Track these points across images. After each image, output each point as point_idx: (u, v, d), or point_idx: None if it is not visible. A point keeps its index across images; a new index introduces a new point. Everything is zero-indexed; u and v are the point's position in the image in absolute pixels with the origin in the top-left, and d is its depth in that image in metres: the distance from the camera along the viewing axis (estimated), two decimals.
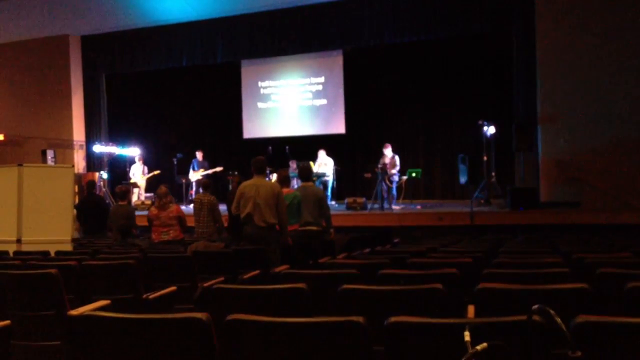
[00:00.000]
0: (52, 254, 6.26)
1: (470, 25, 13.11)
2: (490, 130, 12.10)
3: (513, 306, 2.80)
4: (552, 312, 1.75)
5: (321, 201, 7.78)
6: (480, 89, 13.81)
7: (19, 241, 7.10)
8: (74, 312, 3.86)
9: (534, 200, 11.40)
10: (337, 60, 15.12)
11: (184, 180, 14.87)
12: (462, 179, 12.28)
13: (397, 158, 12.51)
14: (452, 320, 2.01)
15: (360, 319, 2.08)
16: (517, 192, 11.51)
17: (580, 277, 3.55)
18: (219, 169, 14.54)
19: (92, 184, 10.23)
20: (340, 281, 3.60)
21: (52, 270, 4.03)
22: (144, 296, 4.62)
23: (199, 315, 2.29)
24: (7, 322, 3.73)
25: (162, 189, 8.39)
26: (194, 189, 14.80)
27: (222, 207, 8.82)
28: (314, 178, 11.45)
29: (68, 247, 7.11)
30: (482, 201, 12.10)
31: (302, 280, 3.72)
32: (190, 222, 8.78)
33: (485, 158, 12.24)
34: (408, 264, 4.38)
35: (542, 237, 8.49)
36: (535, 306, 1.82)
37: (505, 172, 12.87)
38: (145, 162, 15.25)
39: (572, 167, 11.87)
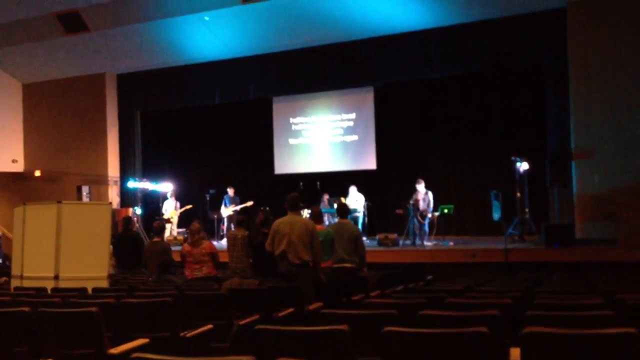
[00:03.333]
0: (89, 291, 6.32)
1: (501, 60, 13.11)
2: (523, 166, 11.99)
3: (561, 351, 2.75)
4: None
5: (357, 239, 7.79)
6: (513, 124, 13.73)
7: (56, 277, 7.18)
8: (113, 351, 3.90)
9: (570, 237, 11.22)
10: (368, 97, 15.20)
11: (215, 216, 14.99)
12: (496, 215, 12.16)
13: (430, 194, 12.45)
14: None
15: None
16: (552, 228, 11.35)
17: (624, 320, 3.48)
18: (249, 203, 14.62)
19: (128, 220, 10.35)
20: (378, 322, 3.57)
21: (93, 309, 4.08)
22: (182, 334, 4.62)
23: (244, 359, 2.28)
24: None
25: (195, 225, 8.44)
26: (225, 224, 14.90)
27: None
28: None
29: (104, 284, 7.17)
30: (516, 238, 11.95)
31: (339, 320, 3.70)
32: (224, 258, 8.82)
33: (518, 194, 12.11)
34: (446, 305, 4.33)
35: (579, 276, 8.33)
36: None
37: (538, 208, 12.69)
38: (177, 198, 15.42)
39: (608, 203, 11.65)
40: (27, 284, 7.20)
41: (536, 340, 2.74)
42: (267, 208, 13.42)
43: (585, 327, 2.97)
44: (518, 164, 11.98)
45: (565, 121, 12.29)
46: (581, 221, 11.86)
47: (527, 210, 12.11)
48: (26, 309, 4.42)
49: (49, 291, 6.53)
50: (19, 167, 17.43)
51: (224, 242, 12.60)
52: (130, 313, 4.86)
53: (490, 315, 3.53)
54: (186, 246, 8.39)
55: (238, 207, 14.52)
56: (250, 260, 8.48)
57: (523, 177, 12.14)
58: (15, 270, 7.69)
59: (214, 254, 8.27)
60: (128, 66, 16.41)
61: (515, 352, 3.03)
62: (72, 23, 14.60)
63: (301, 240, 6.64)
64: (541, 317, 3.45)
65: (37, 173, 17.08)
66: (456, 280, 8.16)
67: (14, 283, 7.55)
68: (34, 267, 7.41)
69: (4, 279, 8.84)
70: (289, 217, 6.88)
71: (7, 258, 12.51)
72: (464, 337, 2.85)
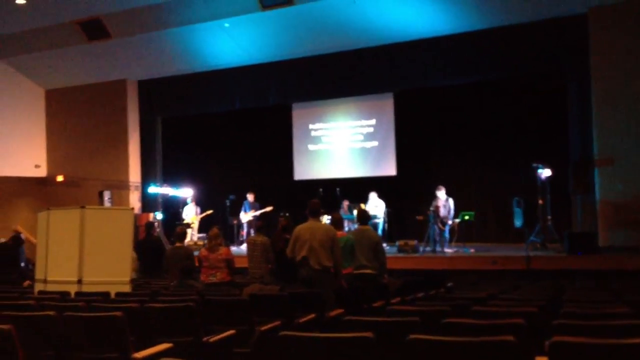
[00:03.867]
0: (112, 295, 6.37)
1: (523, 67, 13.06)
2: (545, 172, 11.88)
3: None
4: None
5: (377, 246, 7.79)
6: (535, 130, 13.60)
7: (79, 281, 7.23)
8: (137, 355, 3.92)
9: (593, 245, 11.08)
10: (387, 103, 15.18)
11: (235, 222, 15.04)
12: (518, 223, 12.06)
13: (450, 201, 12.38)
14: None
15: None
16: (574, 236, 11.22)
17: None
18: (268, 208, 14.65)
19: (150, 225, 10.43)
20: (401, 329, 3.55)
21: (118, 313, 4.11)
22: (204, 339, 4.63)
23: None
24: None
25: (214, 230, 8.48)
26: (245, 230, 14.94)
27: None
28: None
29: (126, 288, 7.22)
30: (538, 245, 11.83)
31: (362, 327, 3.68)
32: (244, 263, 8.85)
33: (540, 201, 11.99)
34: (471, 312, 4.30)
35: (603, 284, 8.22)
36: None
37: (561, 215, 12.56)
38: (197, 203, 15.50)
39: (632, 211, 11.53)
40: (50, 288, 7.27)
41: (564, 350, 2.71)
42: (287, 214, 13.43)
43: (612, 337, 2.93)
44: (540, 171, 11.87)
45: (587, 128, 12.20)
46: (604, 229, 11.75)
47: (549, 217, 11.99)
48: (52, 313, 4.46)
49: (73, 295, 6.59)
50: (42, 173, 17.64)
51: (244, 247, 12.63)
52: (153, 318, 4.89)
53: (516, 324, 3.50)
54: (203, 251, 8.43)
55: (257, 213, 14.55)
56: (270, 266, 8.49)
57: (545, 184, 12.03)
58: (39, 274, 7.77)
59: (229, 260, 8.28)
60: (149, 73, 16.57)
61: None
62: (95, 30, 14.77)
63: (322, 246, 6.65)
64: (568, 326, 3.42)
65: (60, 178, 17.26)
66: (477, 288, 8.10)
67: (38, 287, 7.62)
68: (58, 271, 7.47)
69: (27, 282, 8.94)
70: (310, 223, 6.90)
71: (30, 262, 12.64)
72: (490, 346, 2.82)
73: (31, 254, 12.31)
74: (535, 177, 11.96)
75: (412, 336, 2.95)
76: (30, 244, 13.11)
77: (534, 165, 11.91)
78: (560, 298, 5.53)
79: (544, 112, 13.52)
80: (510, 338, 2.80)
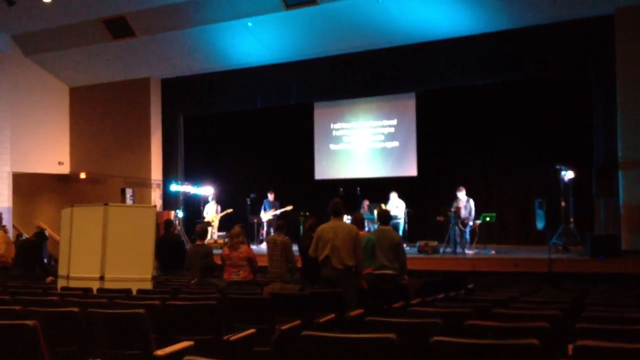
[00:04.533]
0: (134, 292, 6.42)
1: (547, 67, 12.91)
2: (568, 175, 11.76)
3: None
4: None
5: (398, 246, 7.77)
6: (558, 132, 13.44)
7: (101, 278, 7.31)
8: (159, 353, 3.95)
9: (616, 249, 10.96)
10: (409, 103, 15.12)
11: (255, 220, 15.09)
12: (540, 225, 11.95)
13: (471, 202, 12.32)
14: None
15: None
16: (597, 239, 11.09)
17: None
18: (289, 207, 14.68)
19: (169, 222, 10.47)
20: (423, 331, 3.54)
21: (140, 310, 4.13)
22: (225, 337, 4.65)
23: None
24: None
25: (236, 229, 8.50)
26: (265, 229, 14.99)
27: (295, 248, 8.86)
28: None
29: (148, 285, 7.27)
30: (560, 248, 11.71)
31: (383, 328, 3.68)
32: (264, 262, 8.87)
33: (563, 204, 11.87)
34: (493, 315, 4.27)
35: (625, 288, 8.12)
36: None
37: (584, 218, 12.43)
38: (218, 202, 15.57)
39: None
40: (73, 284, 7.35)
41: (589, 355, 2.68)
42: (307, 213, 13.45)
43: (637, 342, 2.89)
44: (563, 173, 11.76)
45: (612, 130, 12.03)
46: (627, 232, 11.60)
47: (571, 219, 11.87)
48: (75, 309, 4.51)
49: (95, 292, 6.65)
50: (65, 169, 17.82)
51: (264, 246, 12.67)
52: (174, 315, 4.92)
53: (539, 327, 3.47)
54: (225, 249, 8.48)
55: (278, 212, 14.58)
56: (290, 265, 8.50)
57: (568, 186, 11.91)
58: (61, 270, 7.85)
59: (251, 258, 8.30)
60: (172, 71, 16.67)
61: None
62: (119, 28, 14.91)
63: (345, 245, 6.66)
64: (592, 330, 3.38)
65: (83, 175, 17.43)
66: (498, 290, 8.05)
67: (61, 283, 7.70)
68: (81, 268, 7.55)
69: (50, 278, 9.04)
70: (332, 223, 6.90)
71: (52, 258, 12.79)
72: (514, 349, 2.80)
73: (54, 251, 12.47)
74: (558, 178, 11.85)
75: (436, 338, 2.93)
76: (53, 241, 13.27)
77: (557, 166, 11.81)
78: (582, 301, 5.47)
79: (568, 113, 13.36)
80: (535, 341, 2.78)
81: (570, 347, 2.80)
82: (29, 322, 3.51)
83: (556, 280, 9.92)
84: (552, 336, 3.48)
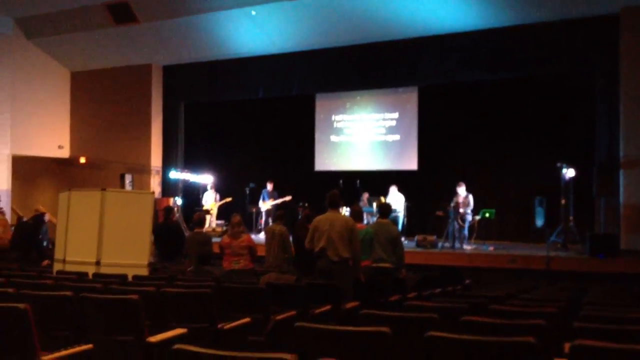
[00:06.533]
0: (129, 278, 6.39)
1: (550, 65, 12.87)
2: (569, 172, 11.73)
3: None
4: None
5: (396, 240, 7.75)
6: (560, 130, 13.37)
7: (97, 263, 7.28)
8: (152, 339, 3.92)
9: (615, 248, 10.93)
10: (411, 97, 15.06)
11: (254, 210, 15.06)
12: (539, 222, 11.92)
13: (471, 197, 12.30)
14: None
15: None
16: (597, 238, 11.06)
17: None
18: (287, 198, 14.64)
19: (169, 209, 10.42)
20: (418, 325, 3.51)
21: (134, 296, 4.10)
22: (219, 326, 4.62)
23: (286, 356, 2.24)
24: (90, 345, 3.79)
25: (237, 217, 8.45)
26: (263, 218, 14.96)
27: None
28: None
29: (144, 272, 7.25)
30: (559, 246, 11.68)
31: (378, 321, 3.65)
32: (262, 252, 8.84)
33: (563, 201, 11.84)
34: (489, 311, 4.24)
35: (624, 288, 8.11)
36: None
37: (583, 216, 12.39)
38: (217, 190, 15.55)
39: None
40: (69, 268, 7.33)
41: (586, 354, 2.65)
42: (306, 204, 13.41)
43: (634, 343, 2.87)
44: (564, 171, 11.72)
45: (614, 129, 12.00)
46: (627, 232, 11.57)
47: (571, 218, 11.84)
48: (68, 293, 4.48)
49: (90, 276, 6.63)
50: (65, 153, 17.79)
51: (262, 235, 12.64)
52: (169, 302, 4.89)
53: (536, 325, 3.44)
54: (225, 238, 8.42)
55: (276, 202, 14.55)
56: (287, 255, 8.47)
57: (568, 184, 11.87)
58: (58, 254, 7.84)
59: (251, 247, 8.26)
60: (174, 58, 16.59)
61: None
62: (122, 14, 14.83)
63: (341, 237, 6.61)
64: (589, 329, 3.35)
65: (82, 160, 17.41)
66: (496, 286, 8.04)
67: (57, 267, 7.69)
68: (77, 252, 7.53)
69: (46, 262, 9.03)
70: (328, 214, 6.85)
71: (52, 242, 12.76)
72: (510, 346, 2.77)
73: (54, 235, 12.44)
74: (559, 176, 11.82)
75: (431, 333, 2.90)
76: (53, 225, 13.24)
77: (558, 164, 11.77)
78: (580, 300, 5.45)
79: (570, 111, 13.30)
80: (531, 339, 2.75)
81: (567, 345, 2.77)
82: (21, 305, 3.48)
83: (554, 278, 9.93)
84: (548, 334, 3.45)
